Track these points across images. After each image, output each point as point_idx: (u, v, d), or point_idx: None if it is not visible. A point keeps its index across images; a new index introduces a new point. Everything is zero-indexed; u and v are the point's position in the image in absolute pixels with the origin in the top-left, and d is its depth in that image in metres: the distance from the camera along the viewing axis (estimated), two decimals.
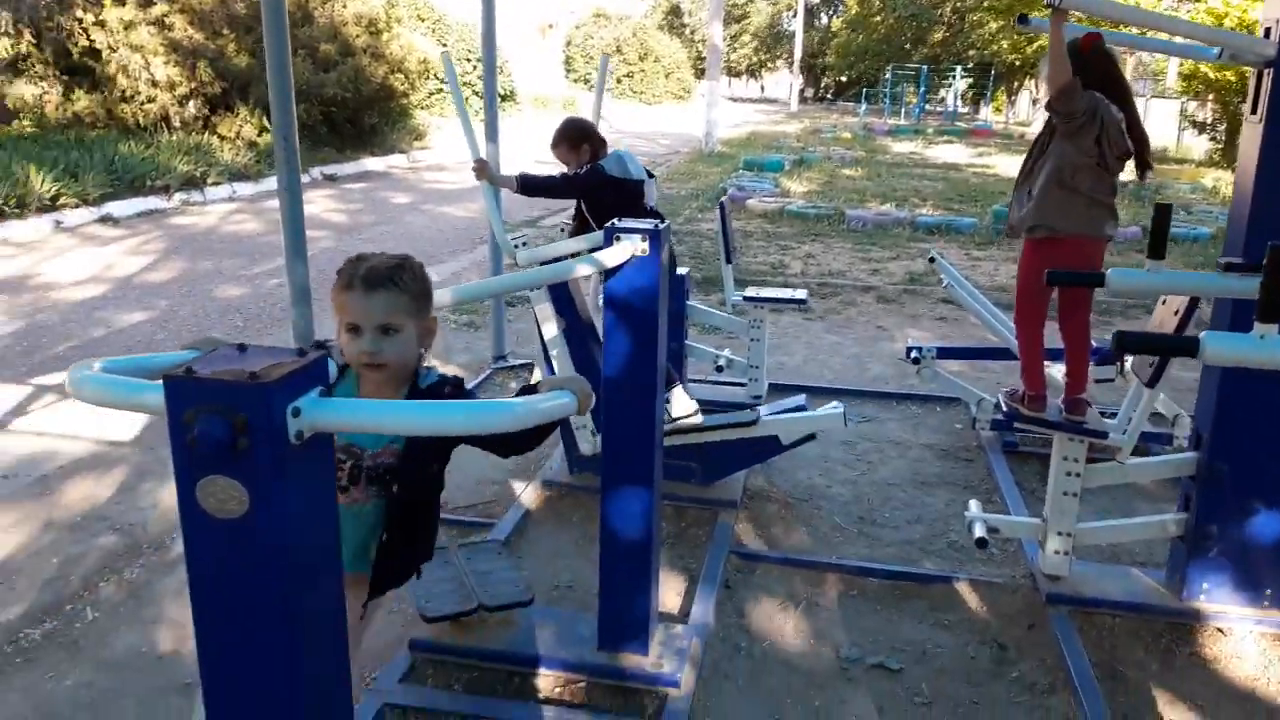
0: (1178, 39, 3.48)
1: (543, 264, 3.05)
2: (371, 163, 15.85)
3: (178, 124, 13.54)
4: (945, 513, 3.79)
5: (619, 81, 36.86)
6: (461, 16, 25.23)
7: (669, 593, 3.12)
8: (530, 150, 12.90)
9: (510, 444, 1.81)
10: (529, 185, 4.12)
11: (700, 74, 43.15)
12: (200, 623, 1.26)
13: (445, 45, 23.56)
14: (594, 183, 4.04)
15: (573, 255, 2.88)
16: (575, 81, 35.46)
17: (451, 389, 1.86)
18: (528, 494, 3.81)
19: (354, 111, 15.79)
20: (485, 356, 5.72)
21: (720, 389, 4.91)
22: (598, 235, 2.93)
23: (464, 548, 3.05)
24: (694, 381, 4.82)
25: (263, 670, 1.26)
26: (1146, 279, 2.23)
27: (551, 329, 3.66)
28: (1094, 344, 4.56)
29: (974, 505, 3.29)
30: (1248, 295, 1.95)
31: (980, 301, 4.72)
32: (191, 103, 13.68)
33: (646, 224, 2.35)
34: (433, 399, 1.81)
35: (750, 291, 4.87)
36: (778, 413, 3.70)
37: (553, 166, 4.45)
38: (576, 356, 3.69)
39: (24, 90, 12.66)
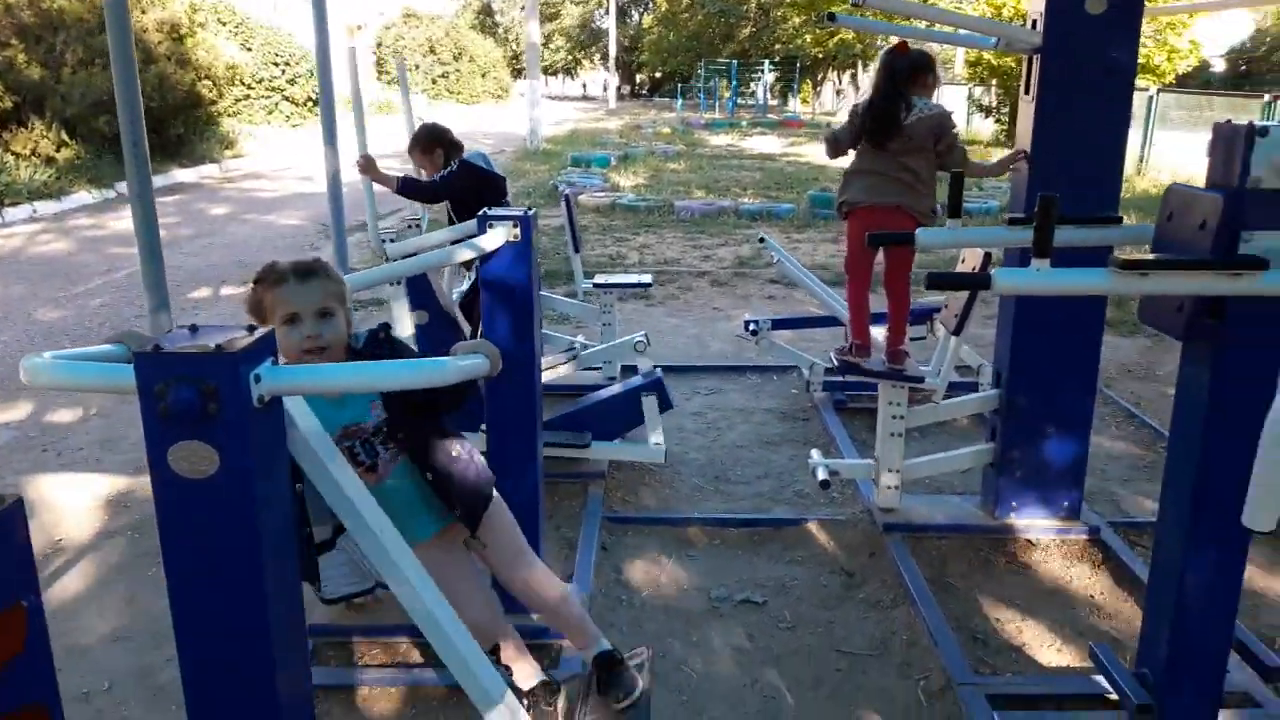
0: (962, 31, 3.98)
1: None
2: (181, 174, 15.14)
3: None
4: (790, 466, 4.18)
5: (434, 82, 36.39)
6: (264, 18, 24.34)
7: (552, 560, 3.34)
8: (347, 152, 12.70)
9: (442, 401, 2.00)
10: (408, 187, 4.24)
11: (517, 73, 43.23)
12: (173, 577, 1.40)
13: (250, 49, 22.68)
14: (468, 180, 4.19)
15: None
16: (388, 84, 34.79)
17: (384, 334, 2.05)
18: None
19: (159, 121, 15.01)
20: None
21: (578, 374, 5.14)
22: (465, 226, 3.11)
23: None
24: (551, 369, 5.04)
25: (231, 616, 1.41)
26: (950, 235, 2.63)
27: (408, 324, 3.80)
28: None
29: (815, 454, 3.67)
30: (1027, 243, 2.37)
31: (807, 275, 5.17)
32: None
33: (517, 211, 2.56)
34: (373, 358, 1.98)
35: (599, 279, 5.13)
36: (636, 386, 3.98)
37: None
38: (436, 347, 3.85)
39: None
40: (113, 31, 3.14)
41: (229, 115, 19.66)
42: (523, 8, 26.14)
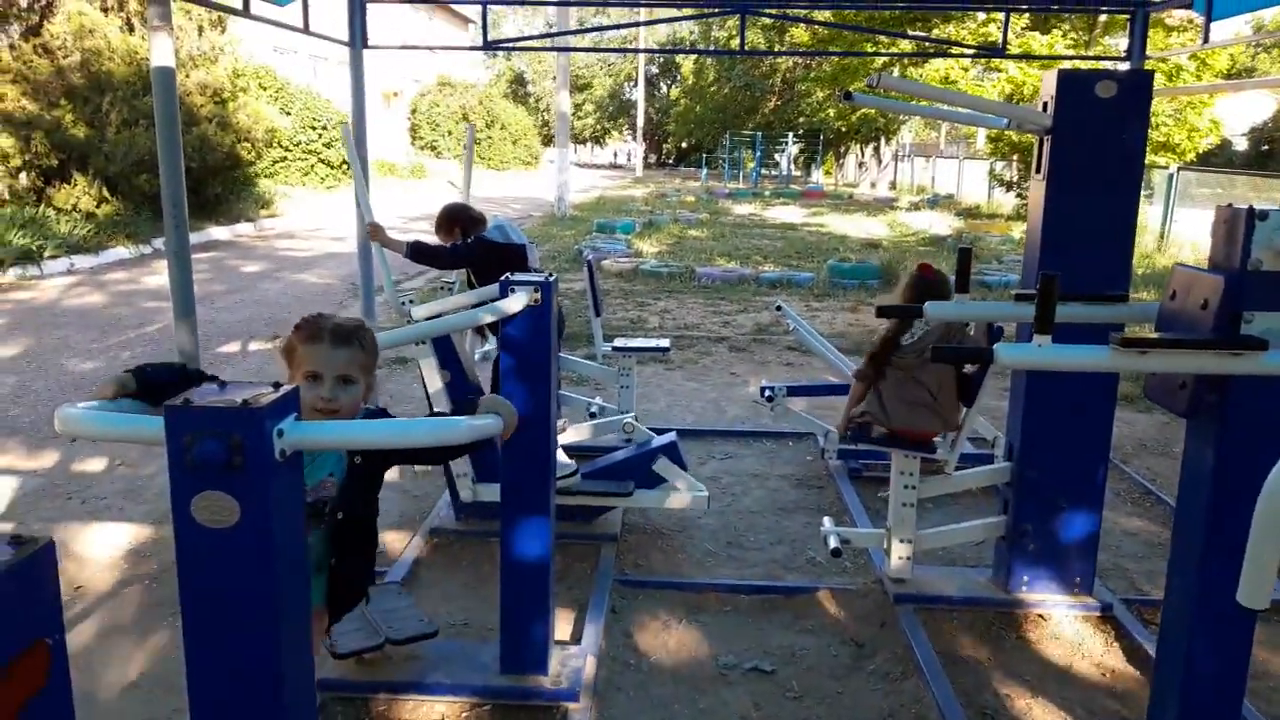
0: (980, 113, 4.08)
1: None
2: (217, 231, 15.52)
3: (8, 196, 12.94)
4: (803, 534, 4.18)
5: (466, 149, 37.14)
6: (304, 82, 25.08)
7: (561, 621, 3.36)
8: (382, 216, 12.99)
9: (448, 454, 2.06)
10: (418, 252, 4.37)
11: (547, 141, 44.08)
12: (190, 625, 1.45)
13: (289, 113, 23.34)
14: (479, 251, 4.33)
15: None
16: (421, 149, 35.58)
17: (379, 411, 2.11)
18: (416, 542, 3.97)
19: (198, 181, 15.44)
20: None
21: (596, 437, 5.19)
22: (486, 290, 3.20)
23: None
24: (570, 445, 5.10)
25: (245, 662, 1.46)
26: (956, 309, 2.69)
27: (436, 382, 3.88)
28: None
29: (828, 521, 3.69)
30: (1030, 318, 2.42)
31: (822, 343, 5.22)
32: (24, 174, 13.12)
33: (538, 276, 2.65)
34: None
35: (619, 342, 5.21)
36: (650, 448, 4.02)
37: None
38: (459, 408, 3.92)
39: None
40: (158, 95, 3.30)
41: (266, 176, 20.18)
42: (554, 78, 26.81)
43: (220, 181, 16.21)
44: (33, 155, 12.93)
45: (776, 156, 40.28)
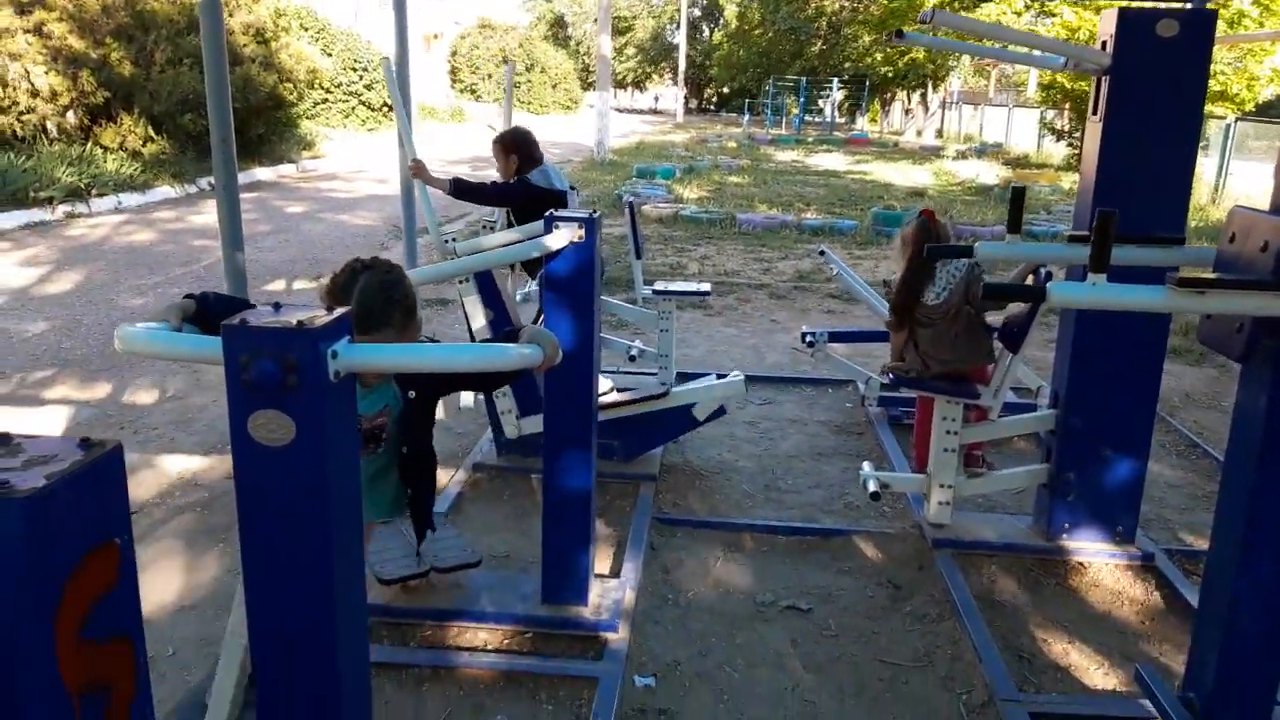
0: (1035, 51, 3.97)
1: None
2: (261, 172, 15.63)
3: (56, 134, 13.11)
4: (841, 479, 4.19)
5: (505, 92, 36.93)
6: (345, 24, 25.00)
7: (601, 555, 3.41)
8: (422, 155, 12.99)
9: (491, 381, 2.10)
10: (462, 188, 4.36)
11: (587, 85, 43.62)
12: (247, 538, 1.49)
13: (330, 54, 23.31)
14: (521, 193, 4.31)
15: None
16: (461, 92, 35.41)
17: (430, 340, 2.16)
18: (459, 476, 4.04)
19: (241, 121, 15.49)
20: None
21: (634, 377, 5.22)
22: (530, 227, 3.20)
23: (408, 520, 3.26)
24: (609, 372, 5.12)
25: (300, 578, 1.50)
26: (1007, 249, 2.65)
27: (480, 319, 3.91)
28: None
29: (867, 466, 3.69)
30: (1085, 260, 2.38)
31: (866, 289, 5.17)
32: (71, 112, 13.26)
33: (582, 213, 2.65)
34: None
35: (659, 285, 5.19)
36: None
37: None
38: None
39: None
40: (206, 32, 3.30)
41: (308, 118, 20.24)
42: (595, 20, 26.42)
43: (264, 122, 16.27)
44: (80, 93, 13.05)
45: (820, 103, 39.58)
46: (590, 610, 2.93)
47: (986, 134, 29.97)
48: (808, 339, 4.93)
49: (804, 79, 37.36)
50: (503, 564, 3.40)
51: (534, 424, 3.92)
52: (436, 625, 2.91)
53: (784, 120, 36.25)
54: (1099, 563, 3.45)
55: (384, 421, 2.10)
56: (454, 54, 36.78)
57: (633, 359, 5.23)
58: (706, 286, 5.37)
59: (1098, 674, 2.85)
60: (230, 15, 14.96)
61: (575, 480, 2.89)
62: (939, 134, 34.46)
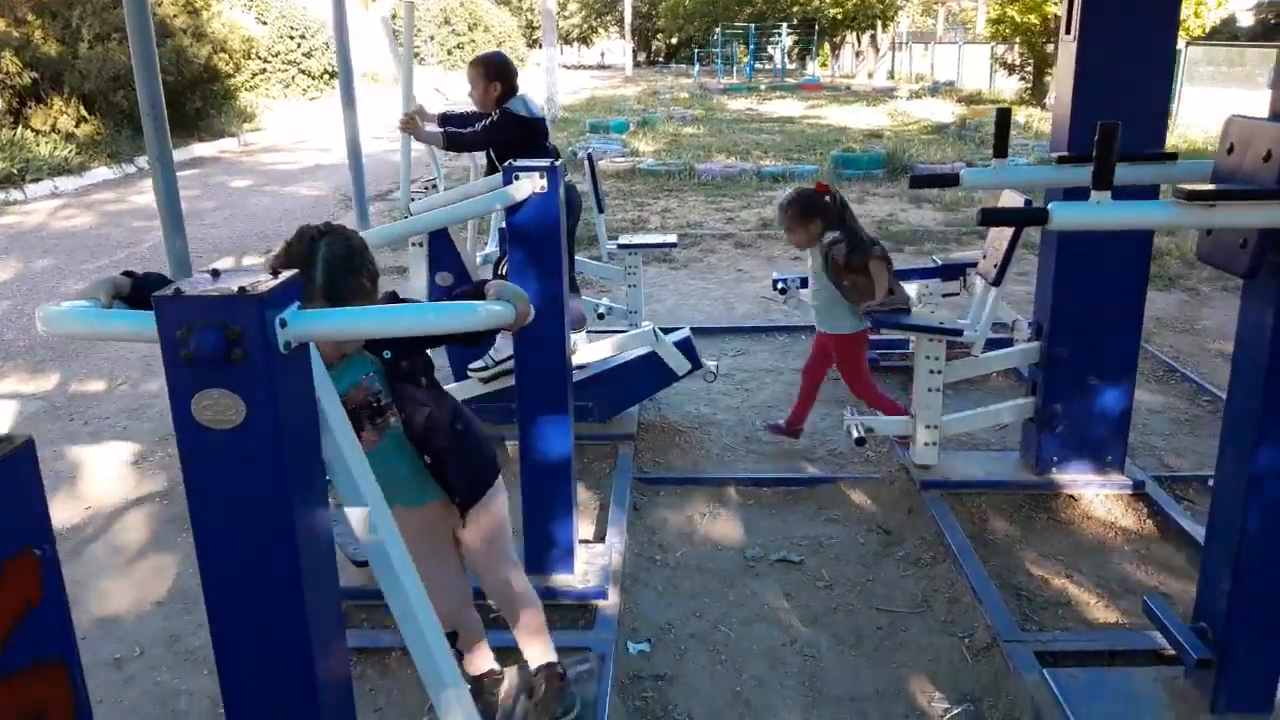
0: None
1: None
2: (200, 148, 15.11)
3: None
4: (822, 426, 4.10)
5: (449, 53, 36.04)
6: None
7: (584, 519, 3.29)
8: (370, 127, 12.62)
9: (469, 339, 1.91)
10: (454, 140, 4.11)
11: (532, 43, 42.79)
12: (201, 536, 1.34)
13: (265, 22, 22.55)
14: (511, 125, 4.06)
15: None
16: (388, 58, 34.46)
17: (393, 298, 1.96)
18: None
19: (176, 95, 14.94)
20: None
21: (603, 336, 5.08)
22: (491, 179, 3.03)
23: None
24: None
25: (264, 575, 1.36)
26: (994, 174, 2.53)
27: (422, 285, 3.72)
28: (937, 262, 4.99)
29: (850, 411, 3.59)
30: (1079, 182, 2.26)
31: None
32: None
33: (543, 162, 2.48)
34: None
35: (624, 240, 5.04)
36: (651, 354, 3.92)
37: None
38: None
39: None
40: (130, 4, 3.06)
41: (247, 89, 19.59)
42: None
43: (200, 96, 15.72)
44: (4, 75, 12.48)
45: (770, 49, 39.18)
46: (578, 578, 2.82)
47: (938, 73, 29.85)
48: (779, 285, 4.81)
49: (752, 26, 36.92)
50: None
51: (467, 390, 3.78)
52: None
53: (735, 69, 35.85)
54: (1090, 494, 3.40)
55: (372, 391, 1.92)
56: (394, 17, 35.78)
57: (601, 317, 5.10)
58: (673, 238, 5.24)
59: (1099, 607, 2.80)
60: None
61: (553, 446, 2.76)
62: (890, 75, 34.31)
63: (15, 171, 11.02)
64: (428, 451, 1.99)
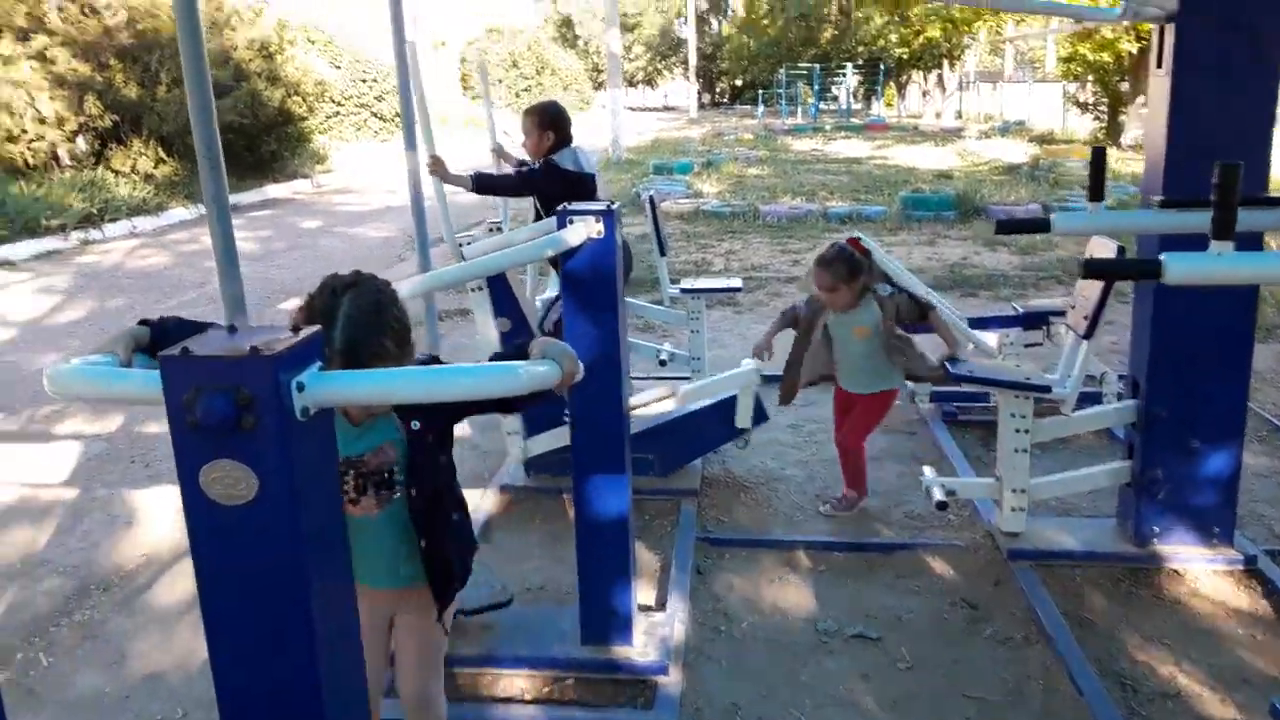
0: (1084, 2, 3.62)
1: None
2: (274, 189, 15.44)
3: (68, 160, 12.97)
4: (898, 484, 3.85)
5: (517, 96, 36.68)
6: (352, 39, 24.80)
7: (643, 583, 3.10)
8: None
9: (508, 404, 1.75)
10: (483, 183, 4.03)
11: (598, 85, 43.35)
12: (211, 618, 1.20)
13: (339, 67, 23.14)
14: (545, 175, 3.97)
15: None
16: (474, 99, 35.14)
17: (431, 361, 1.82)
18: (487, 500, 3.74)
19: (251, 139, 15.34)
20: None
21: (666, 383, 4.89)
22: (544, 224, 2.89)
23: None
24: (639, 379, 4.82)
25: (279, 662, 1.20)
26: (1090, 220, 2.31)
27: (492, 330, 3.60)
28: (1018, 310, 4.72)
29: (929, 471, 3.34)
30: (1185, 228, 2.04)
31: (911, 278, 4.82)
32: (81, 138, 13.11)
33: (599, 205, 2.34)
34: None
35: (686, 284, 4.88)
36: (726, 401, 3.72)
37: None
38: (520, 358, 3.64)
39: None
40: (182, 25, 3.01)
41: (320, 132, 20.05)
42: (602, 19, 26.09)
43: (275, 138, 16.09)
44: (87, 118, 12.89)
45: (835, 90, 39.05)
46: (636, 650, 2.62)
47: (1007, 113, 29.39)
48: None
49: (817, 67, 36.85)
50: (538, 596, 3.09)
51: (544, 443, 3.61)
52: (467, 674, 2.61)
53: (799, 109, 35.77)
54: (1196, 569, 3.10)
55: (389, 460, 1.77)
56: (463, 61, 36.54)
57: (663, 363, 4.92)
58: (737, 282, 5.06)
59: (1214, 702, 2.50)
60: (234, 30, 14.80)
61: (609, 504, 2.58)
62: (958, 115, 33.89)
63: (95, 211, 11.32)
64: (426, 534, 1.83)
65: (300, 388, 1.11)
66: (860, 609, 2.95)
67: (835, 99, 39.01)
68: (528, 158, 4.35)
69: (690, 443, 3.76)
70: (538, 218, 4.13)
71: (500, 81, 36.14)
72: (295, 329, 1.17)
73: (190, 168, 14.00)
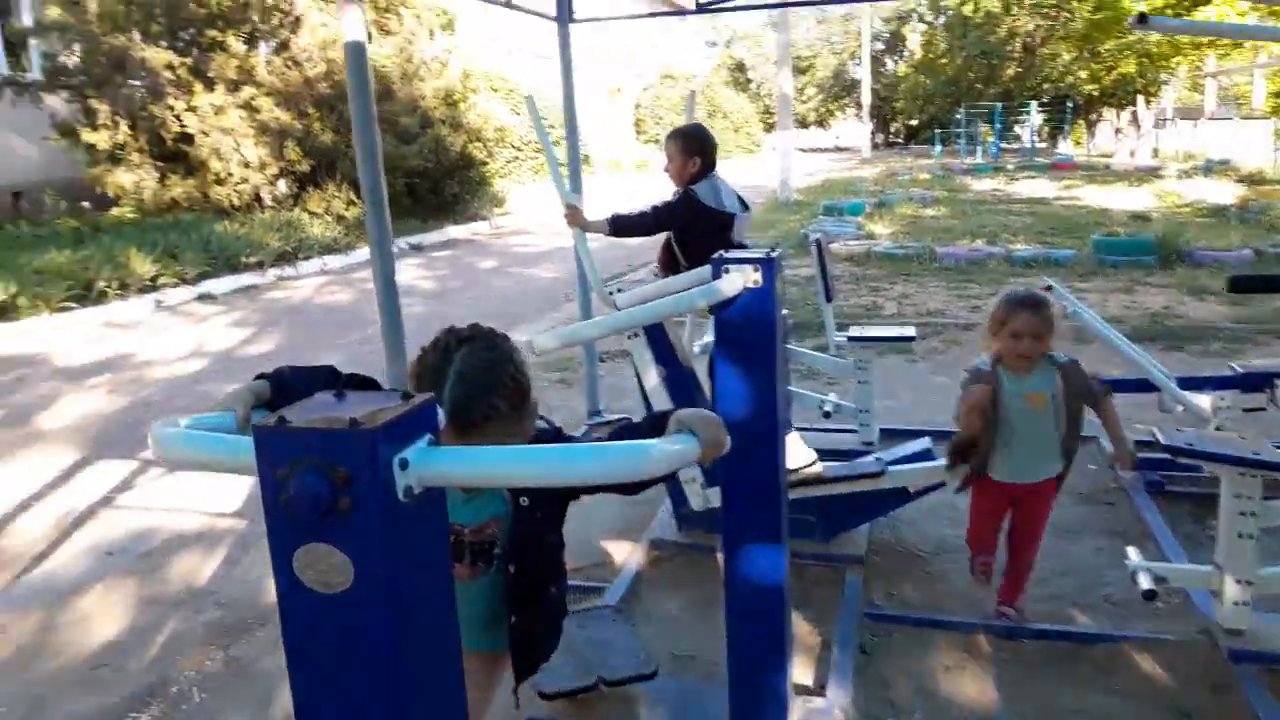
0: None
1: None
2: (455, 230, 16.09)
3: (270, 202, 13.95)
4: (1095, 563, 3.43)
5: None
6: (534, 86, 25.77)
7: (801, 660, 2.84)
8: (605, 211, 12.92)
9: (630, 486, 1.59)
10: (621, 225, 3.92)
11: (769, 127, 43.25)
12: (302, 710, 1.06)
13: (519, 113, 24.03)
14: (687, 212, 3.81)
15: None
16: (646, 143, 35.78)
17: (551, 430, 1.67)
18: (637, 555, 3.58)
19: (435, 182, 16.08)
20: (579, 413, 5.55)
21: (830, 436, 4.62)
22: (699, 272, 2.73)
23: (576, 615, 2.82)
24: (801, 429, 4.55)
25: None
26: None
27: (653, 378, 3.46)
28: (1236, 369, 4.20)
29: (1134, 553, 2.93)
30: None
31: (1106, 328, 4.37)
32: (282, 181, 14.08)
33: (758, 253, 2.15)
34: None
35: (855, 330, 4.60)
36: (903, 459, 3.41)
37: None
38: (679, 405, 3.48)
39: (123, 178, 13.18)
40: (351, 72, 3.06)
41: (500, 176, 20.84)
42: (774, 61, 25.99)
43: (457, 181, 16.81)
44: (287, 163, 13.82)
45: (1018, 128, 37.46)
46: None
47: (1210, 151, 27.24)
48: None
49: (999, 104, 35.46)
50: (687, 665, 2.89)
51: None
52: None
53: (979, 148, 34.47)
54: None
55: (493, 534, 1.64)
56: (638, 106, 37.32)
57: (827, 415, 4.65)
58: (910, 330, 4.75)
59: None
60: (422, 81, 15.58)
61: (763, 573, 2.35)
62: (1154, 154, 31.73)
63: (290, 249, 12.07)
64: (518, 609, 1.70)
65: (404, 465, 0.97)
66: (1051, 709, 2.59)
67: (1018, 138, 37.42)
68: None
69: (856, 506, 3.47)
70: (667, 255, 3.94)
71: (672, 125, 36.69)
72: (406, 396, 1.04)
73: None
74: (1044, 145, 37.60)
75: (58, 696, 2.88)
